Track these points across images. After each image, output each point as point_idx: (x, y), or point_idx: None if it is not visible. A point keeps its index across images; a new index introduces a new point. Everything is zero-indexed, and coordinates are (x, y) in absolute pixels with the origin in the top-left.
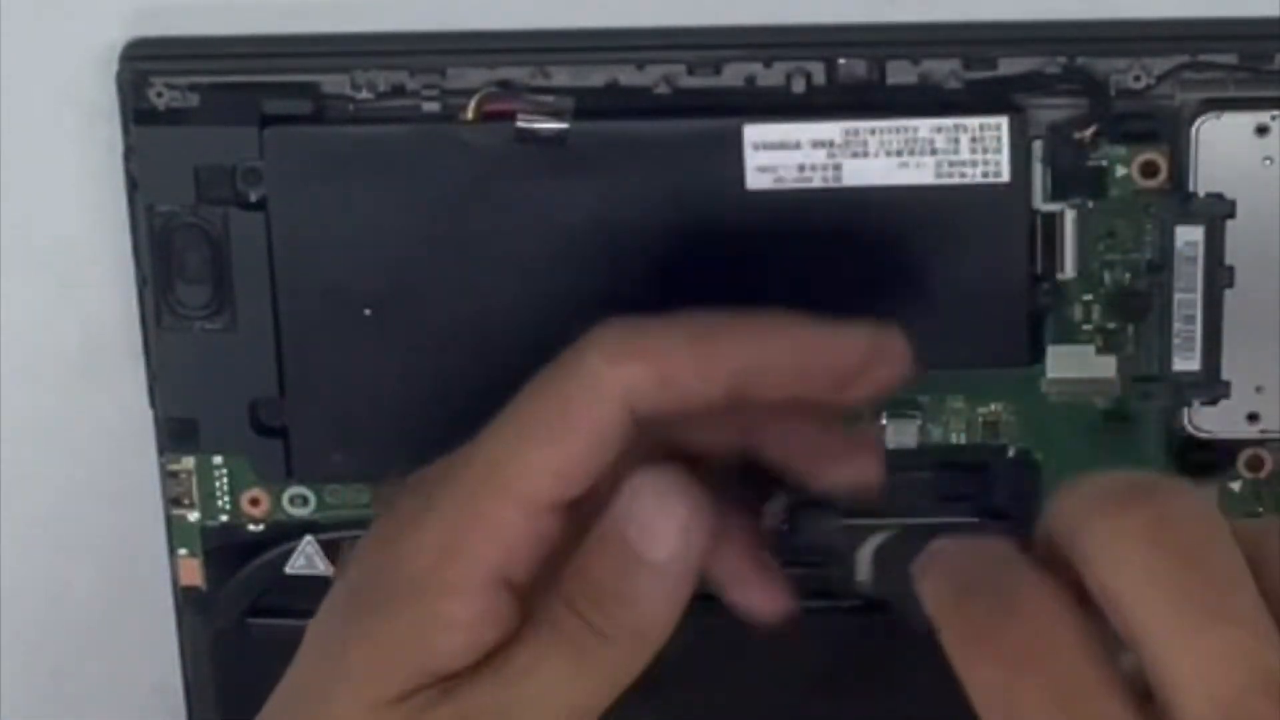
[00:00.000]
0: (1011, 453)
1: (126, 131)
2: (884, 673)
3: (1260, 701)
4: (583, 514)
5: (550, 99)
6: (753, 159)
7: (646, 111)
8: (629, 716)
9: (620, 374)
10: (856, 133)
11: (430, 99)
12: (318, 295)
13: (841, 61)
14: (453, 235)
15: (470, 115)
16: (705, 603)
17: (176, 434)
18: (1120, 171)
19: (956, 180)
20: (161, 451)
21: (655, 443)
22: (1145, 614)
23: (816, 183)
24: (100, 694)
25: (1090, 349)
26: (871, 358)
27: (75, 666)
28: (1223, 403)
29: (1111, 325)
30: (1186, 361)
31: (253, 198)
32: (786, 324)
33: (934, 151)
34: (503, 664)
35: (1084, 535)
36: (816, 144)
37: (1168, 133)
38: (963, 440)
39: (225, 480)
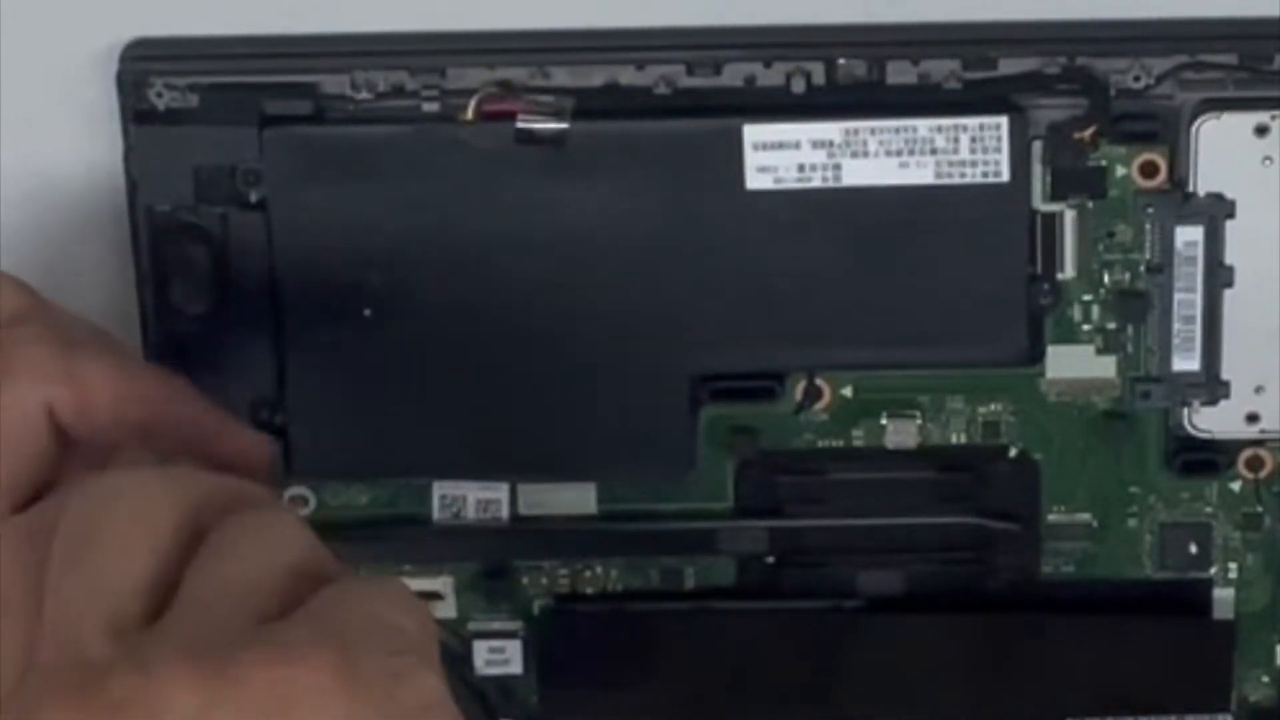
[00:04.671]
0: (1012, 453)
1: (126, 131)
2: (884, 673)
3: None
4: None
5: (550, 99)
6: (753, 159)
7: (646, 111)
8: (634, 712)
9: (46, 393)
10: (856, 133)
11: (430, 99)
12: (318, 295)
13: (841, 61)
14: (453, 235)
15: (470, 115)
16: (707, 603)
17: None
18: (1120, 171)
19: (956, 180)
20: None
21: None
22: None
23: (816, 183)
24: None
25: (1090, 349)
26: (245, 464)
27: None
28: (1223, 403)
29: (1111, 325)
30: (1186, 361)
31: (253, 198)
32: (191, 403)
33: (934, 151)
34: None
35: None
36: (816, 144)
37: (1168, 133)
38: (963, 440)
39: None
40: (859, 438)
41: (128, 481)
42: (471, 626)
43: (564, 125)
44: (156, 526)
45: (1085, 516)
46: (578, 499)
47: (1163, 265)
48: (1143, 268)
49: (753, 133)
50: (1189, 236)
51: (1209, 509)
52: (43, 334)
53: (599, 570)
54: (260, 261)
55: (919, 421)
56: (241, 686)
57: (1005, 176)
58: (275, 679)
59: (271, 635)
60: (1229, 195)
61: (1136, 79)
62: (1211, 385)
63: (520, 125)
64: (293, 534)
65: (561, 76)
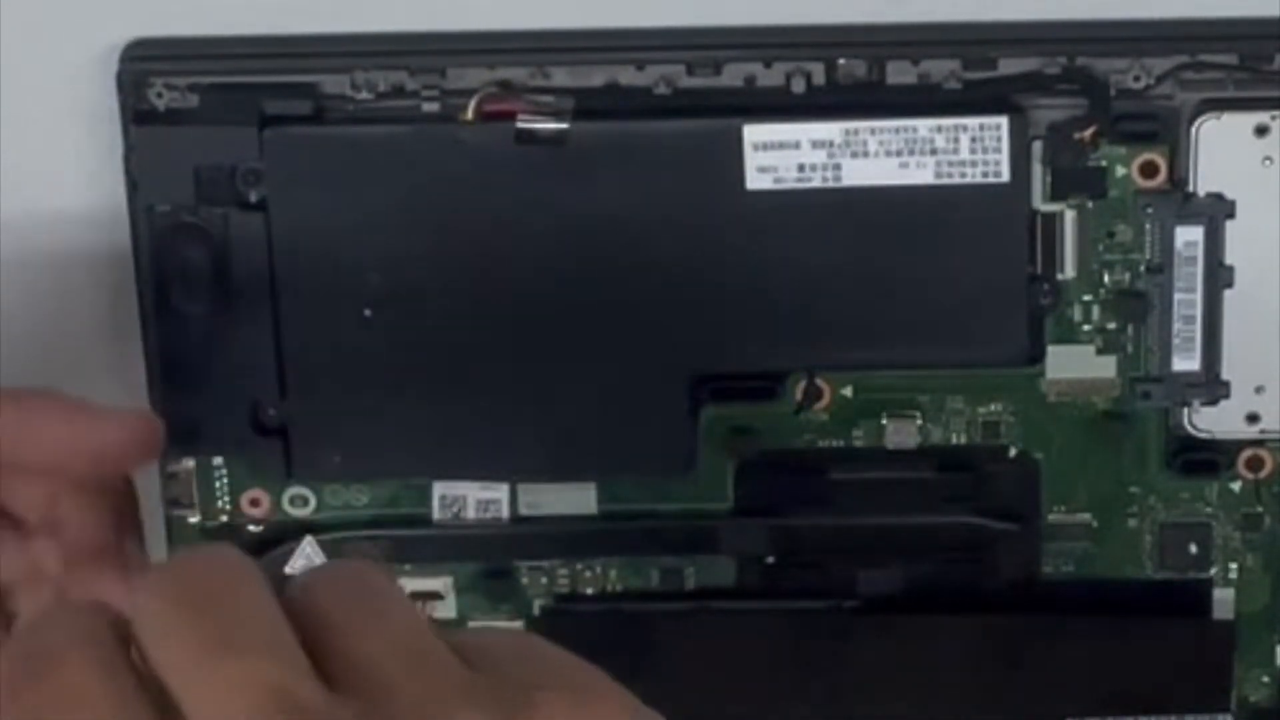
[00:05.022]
0: (1011, 453)
1: (126, 132)
2: (884, 673)
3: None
4: None
5: (550, 99)
6: (753, 159)
7: (646, 112)
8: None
9: None
10: (856, 133)
11: (430, 99)
12: (318, 295)
13: (841, 61)
14: (453, 235)
15: (470, 115)
16: (707, 603)
17: (176, 434)
18: (1120, 171)
19: (956, 180)
20: (161, 452)
21: None
22: (166, 658)
23: (816, 183)
24: None
25: (1090, 349)
26: (129, 444)
27: None
28: (1223, 403)
29: (1111, 325)
30: (1186, 361)
31: (253, 198)
32: (52, 404)
33: (934, 151)
34: None
35: (135, 615)
36: (816, 144)
37: (1168, 133)
38: (963, 440)
39: (225, 480)
40: (859, 438)
41: (203, 566)
42: (472, 626)
43: (564, 125)
44: (268, 596)
45: (1085, 516)
46: (578, 499)
47: (1163, 265)
48: (1143, 268)
49: (753, 133)
50: (1189, 236)
51: (1209, 509)
52: None
53: (599, 570)
54: (260, 261)
55: (919, 421)
56: None
57: (1005, 176)
58: None
59: (550, 688)
60: (1229, 195)
61: (1136, 79)
62: (1211, 385)
63: (520, 125)
64: (393, 582)
65: (561, 76)
